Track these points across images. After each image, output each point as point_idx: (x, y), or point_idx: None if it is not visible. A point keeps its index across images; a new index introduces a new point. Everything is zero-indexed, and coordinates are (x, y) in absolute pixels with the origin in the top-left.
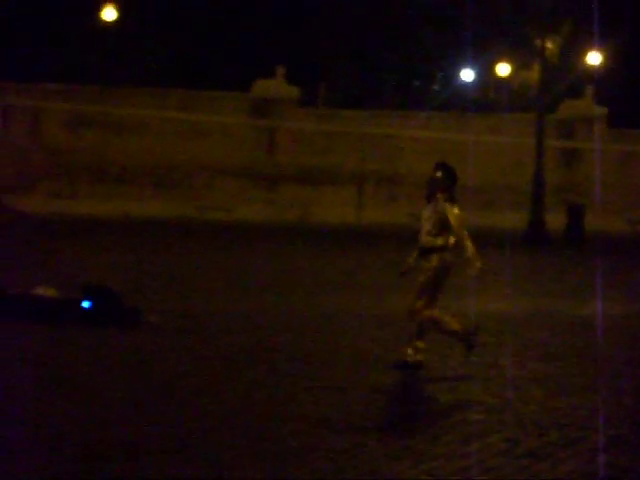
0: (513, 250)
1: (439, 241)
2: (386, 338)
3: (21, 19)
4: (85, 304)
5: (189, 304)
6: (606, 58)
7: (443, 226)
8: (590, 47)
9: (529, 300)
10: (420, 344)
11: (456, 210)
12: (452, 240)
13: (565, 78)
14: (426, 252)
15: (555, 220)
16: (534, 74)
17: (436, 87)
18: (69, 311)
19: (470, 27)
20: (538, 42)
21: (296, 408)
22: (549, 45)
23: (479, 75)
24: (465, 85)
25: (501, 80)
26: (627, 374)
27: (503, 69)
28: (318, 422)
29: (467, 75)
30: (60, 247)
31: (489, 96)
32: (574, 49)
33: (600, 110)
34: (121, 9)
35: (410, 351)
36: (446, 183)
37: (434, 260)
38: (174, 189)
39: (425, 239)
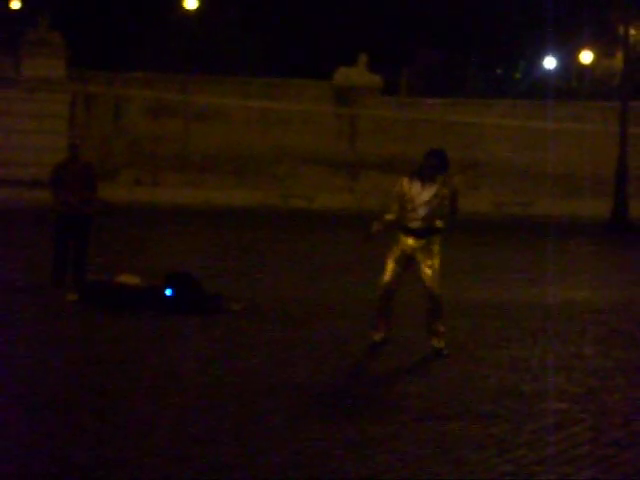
0: (596, 238)
1: (441, 223)
2: (467, 326)
3: (103, 8)
4: (167, 291)
5: (271, 292)
6: None
7: (445, 207)
8: None
9: (612, 289)
10: (441, 327)
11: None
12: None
13: None
14: (427, 233)
15: (639, 208)
16: (617, 62)
17: (518, 75)
18: (152, 298)
19: (553, 15)
20: (621, 29)
21: (380, 397)
22: (632, 32)
23: (562, 63)
24: (548, 73)
25: (584, 68)
26: None
27: (586, 57)
28: (402, 411)
29: (550, 63)
30: (143, 235)
31: (572, 84)
32: None
33: None
34: None
35: (435, 340)
36: (442, 169)
37: (439, 241)
38: (256, 177)
39: (429, 220)
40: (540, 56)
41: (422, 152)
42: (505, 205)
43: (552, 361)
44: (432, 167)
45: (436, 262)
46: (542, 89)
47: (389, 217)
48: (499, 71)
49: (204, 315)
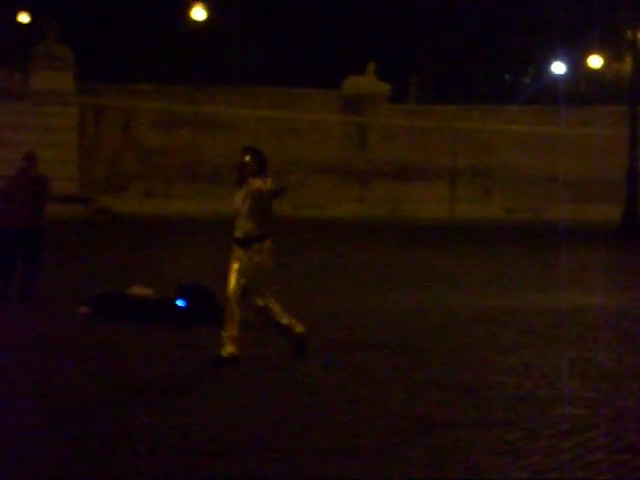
0: (606, 244)
1: (258, 230)
2: (480, 333)
3: (112, 20)
4: (180, 303)
5: (284, 301)
6: None
7: (258, 209)
8: None
9: (624, 294)
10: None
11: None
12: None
13: None
14: (245, 242)
15: None
16: (627, 66)
17: (527, 80)
18: (164, 310)
19: (561, 19)
20: (629, 33)
21: (395, 405)
22: None
23: (570, 68)
24: (556, 78)
25: (593, 72)
26: None
27: (595, 61)
28: (417, 419)
29: (558, 68)
30: (154, 247)
31: (581, 88)
32: None
33: None
34: (211, 8)
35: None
36: (256, 167)
37: (259, 250)
38: None
39: (244, 227)
40: (548, 61)
41: (432, 159)
42: (516, 211)
43: (566, 367)
44: (242, 165)
45: (248, 271)
46: (551, 94)
47: None
48: (508, 77)
49: (217, 326)
